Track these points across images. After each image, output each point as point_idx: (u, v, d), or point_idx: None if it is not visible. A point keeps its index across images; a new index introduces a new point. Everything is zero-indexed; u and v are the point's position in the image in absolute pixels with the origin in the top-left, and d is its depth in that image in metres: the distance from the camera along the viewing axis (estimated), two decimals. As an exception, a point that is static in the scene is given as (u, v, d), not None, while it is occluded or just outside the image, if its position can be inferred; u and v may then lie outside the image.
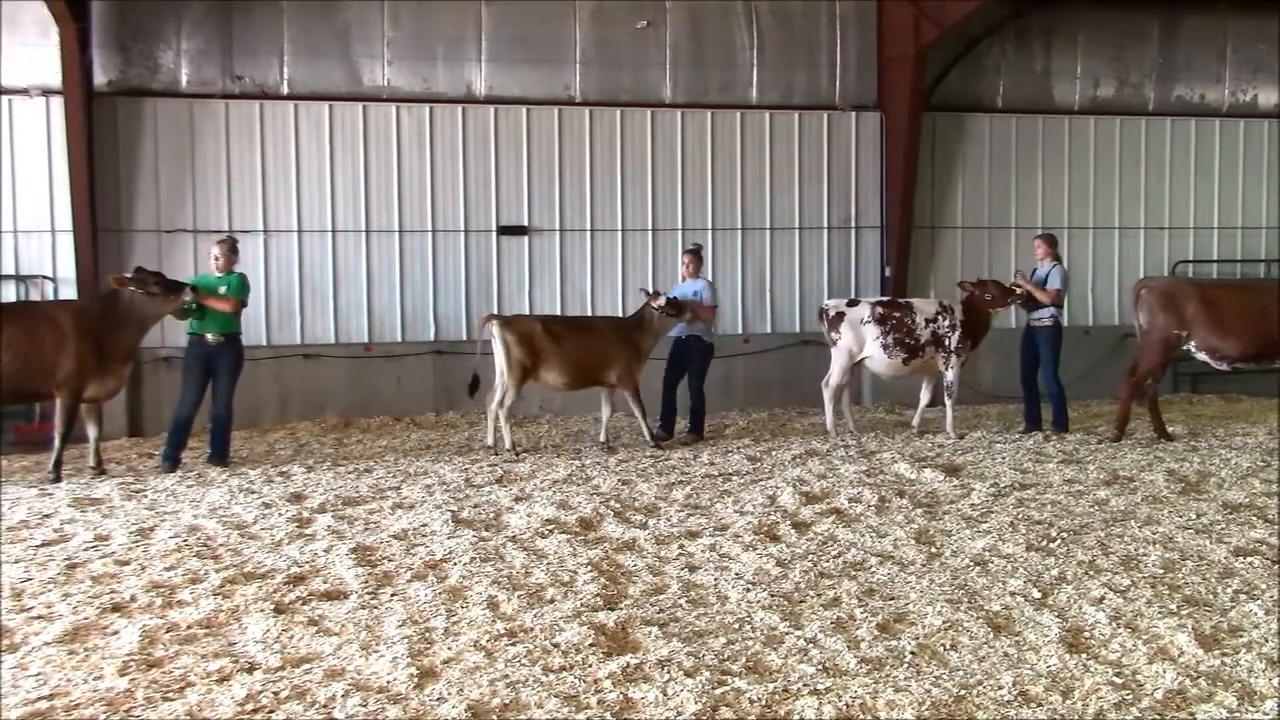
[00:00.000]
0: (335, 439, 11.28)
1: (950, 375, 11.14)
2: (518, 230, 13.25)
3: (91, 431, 9.51)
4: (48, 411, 9.00)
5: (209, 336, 9.66)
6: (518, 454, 10.21)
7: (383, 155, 12.90)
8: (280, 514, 7.68)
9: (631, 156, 13.53)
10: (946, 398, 11.18)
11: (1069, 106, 14.88)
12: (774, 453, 10.23)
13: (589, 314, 13.13)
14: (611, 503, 7.93)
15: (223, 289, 9.72)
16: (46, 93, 11.88)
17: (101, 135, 12.03)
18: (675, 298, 10.87)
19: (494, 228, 13.20)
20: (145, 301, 9.28)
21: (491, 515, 7.61)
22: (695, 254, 11.65)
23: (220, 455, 9.84)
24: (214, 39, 12.46)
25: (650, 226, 13.59)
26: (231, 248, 10.04)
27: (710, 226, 13.73)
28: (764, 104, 13.88)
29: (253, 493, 8.53)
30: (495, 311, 12.05)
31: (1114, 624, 5.10)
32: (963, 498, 8.04)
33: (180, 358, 10.19)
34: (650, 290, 11.13)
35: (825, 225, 14.10)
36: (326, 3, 12.68)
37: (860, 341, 11.07)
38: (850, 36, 14.07)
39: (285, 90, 12.69)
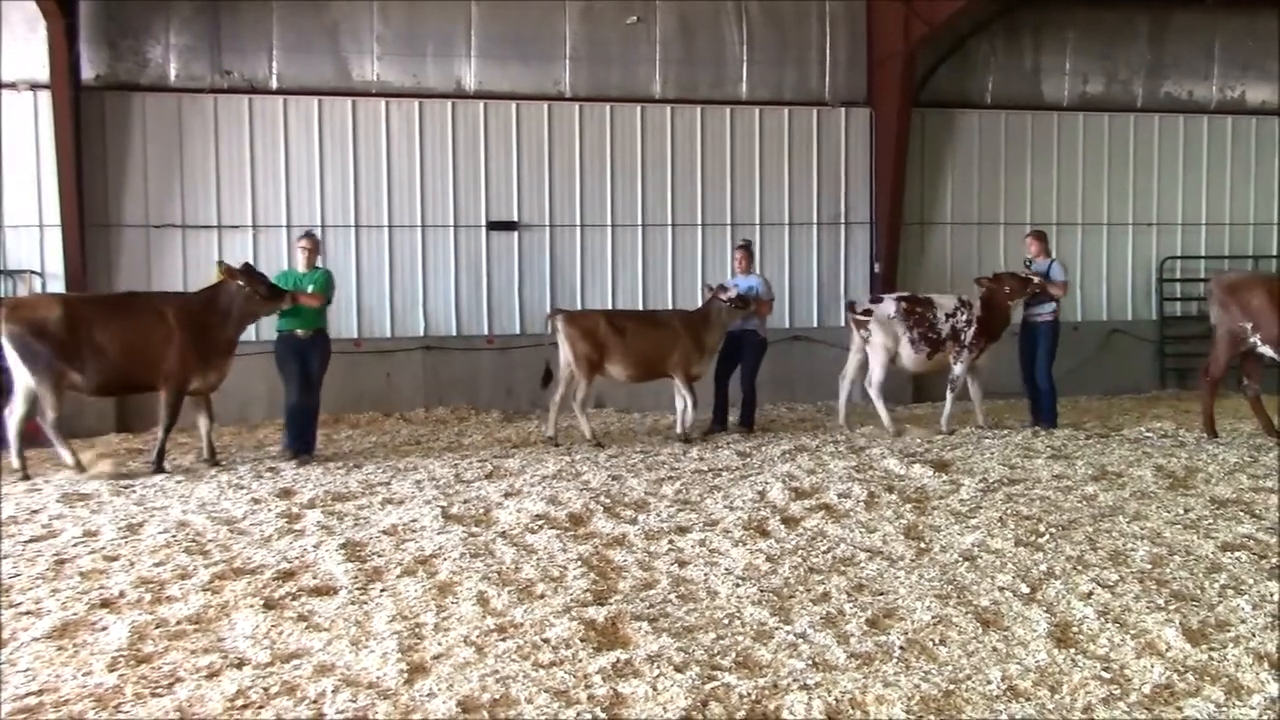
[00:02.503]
0: (324, 434, 11.24)
1: (957, 369, 11.19)
2: (508, 225, 13.24)
3: (203, 423, 9.72)
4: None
5: (299, 332, 9.84)
6: (599, 442, 10.49)
7: (372, 151, 12.88)
8: (270, 509, 7.66)
9: (621, 152, 13.52)
10: (949, 391, 11.23)
11: (1058, 103, 14.92)
12: (763, 448, 10.23)
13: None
14: (601, 498, 7.93)
15: (310, 287, 9.86)
16: (35, 87, 11.83)
17: (90, 130, 11.98)
18: (743, 293, 10.93)
19: (484, 223, 13.19)
20: (248, 300, 9.46)
21: (481, 511, 7.60)
22: (747, 249, 11.68)
23: (307, 446, 9.93)
24: (203, 34, 12.42)
25: (640, 222, 13.58)
26: (315, 244, 10.21)
27: (700, 222, 13.73)
28: (754, 100, 13.88)
29: (242, 488, 8.51)
30: (559, 305, 12.11)
31: (1102, 619, 5.11)
32: (952, 493, 8.05)
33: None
34: (716, 285, 11.22)
35: (815, 221, 14.12)
36: (316, -3, 12.67)
37: (894, 337, 11.10)
38: (840, 33, 14.08)
39: (274, 85, 12.65)
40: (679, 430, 10.89)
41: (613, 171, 13.50)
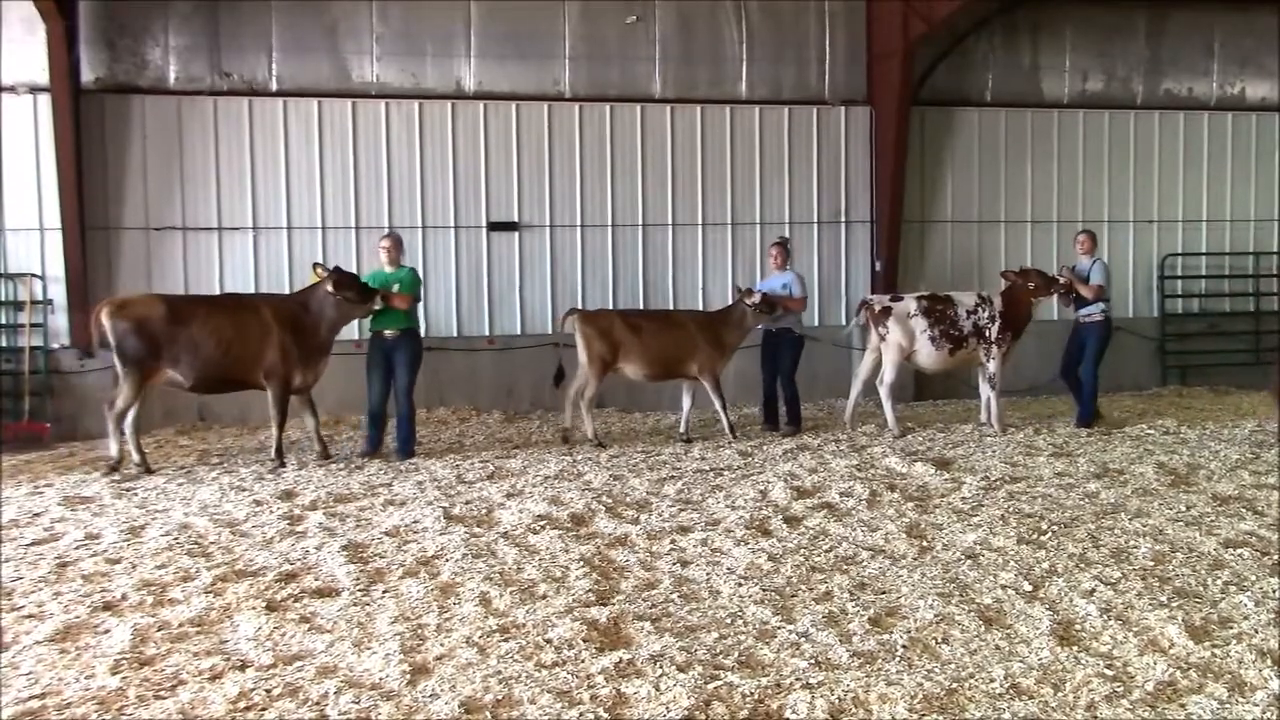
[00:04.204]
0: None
1: (991, 366, 11.12)
2: (508, 226, 13.23)
3: (309, 421, 9.91)
4: (35, 409, 9.07)
5: (387, 332, 9.99)
6: (600, 443, 10.50)
7: (372, 152, 12.87)
8: (271, 511, 7.67)
9: (621, 152, 13.51)
10: (990, 389, 11.17)
11: (1057, 100, 14.89)
12: (765, 447, 10.24)
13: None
14: (603, 498, 7.93)
15: (395, 286, 9.97)
16: (34, 90, 11.83)
17: (89, 133, 11.98)
18: (769, 295, 10.95)
19: (484, 224, 13.18)
20: (339, 303, 9.63)
21: (483, 511, 7.60)
22: (783, 245, 11.67)
23: (405, 448, 10.06)
24: (201, 35, 12.41)
25: (640, 222, 13.57)
26: (397, 243, 10.38)
27: (700, 221, 13.72)
28: (753, 99, 13.87)
29: (244, 490, 8.51)
30: (578, 305, 12.08)
31: (1105, 616, 5.12)
32: (953, 491, 8.05)
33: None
34: (744, 287, 11.28)
35: (815, 220, 14.10)
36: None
37: (910, 336, 11.06)
38: (839, 31, 14.06)
39: (274, 87, 12.65)
40: (682, 430, 10.90)
41: (613, 171, 13.49)
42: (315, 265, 9.99)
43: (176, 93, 12.36)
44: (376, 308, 9.81)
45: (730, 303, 11.27)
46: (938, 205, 14.57)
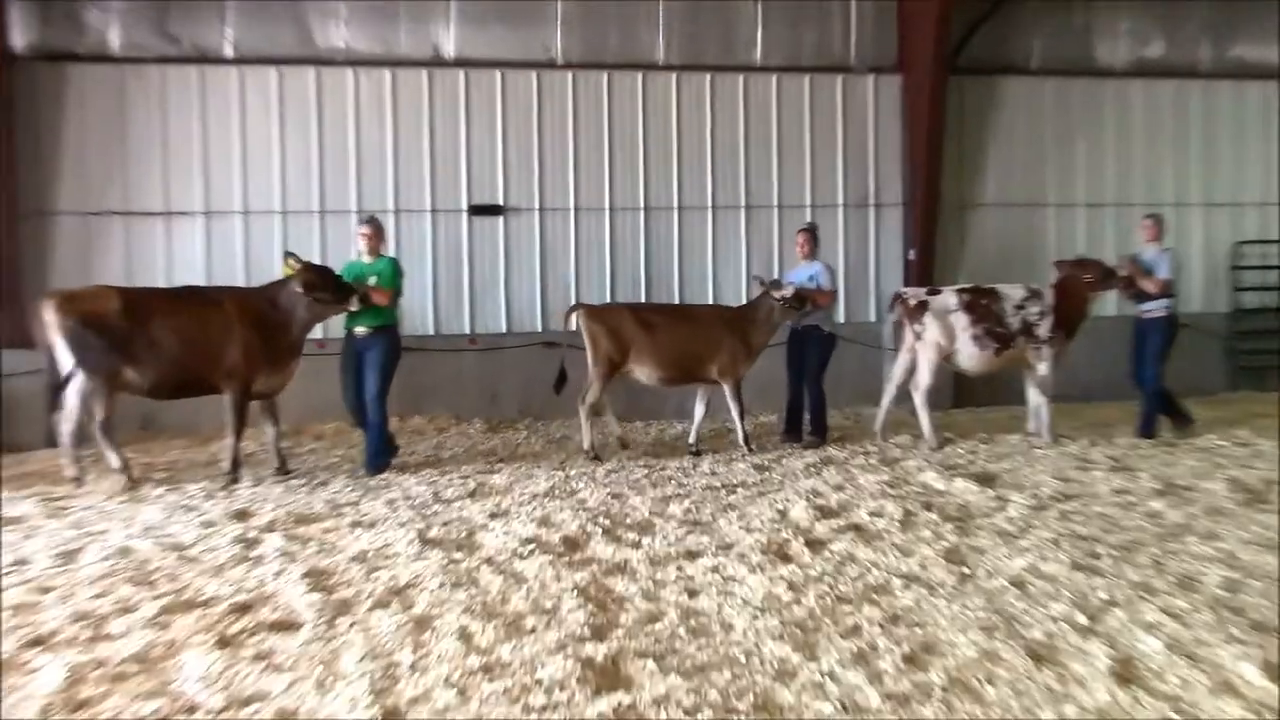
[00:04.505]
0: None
1: (1042, 368, 11.08)
2: (491, 210, 13.23)
3: (269, 430, 9.94)
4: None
5: (359, 330, 9.97)
6: (595, 454, 10.49)
7: (339, 127, 12.88)
8: (223, 534, 7.64)
9: (620, 126, 13.51)
10: (1040, 394, 11.13)
11: (1112, 68, 14.89)
12: (784, 460, 10.21)
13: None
14: (600, 519, 7.90)
15: (373, 279, 9.97)
16: (-44, 57, 11.85)
17: (20, 105, 11.97)
18: (800, 289, 10.88)
19: (465, 207, 13.18)
20: (312, 303, 9.65)
21: (463, 534, 7.57)
22: (811, 233, 11.60)
23: (373, 461, 10.02)
24: (146, -5, 12.44)
25: (641, 205, 13.57)
26: (377, 230, 10.30)
27: (710, 205, 13.72)
28: (769, 66, 13.87)
29: (192, 510, 8.48)
30: (581, 301, 12.13)
31: (1171, 653, 5.08)
32: (998, 511, 8.02)
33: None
34: (769, 279, 11.22)
35: (840, 203, 14.11)
36: (274, -47, 12.68)
37: (949, 333, 11.03)
38: (867, -11, 14.10)
39: (228, 53, 12.65)
40: (691, 440, 10.88)
41: (610, 148, 13.50)
42: (288, 255, 9.94)
43: (119, 60, 12.38)
44: (353, 308, 9.78)
45: (755, 296, 11.14)
46: (978, 186, 14.57)
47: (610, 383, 10.67)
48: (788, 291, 10.72)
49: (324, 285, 9.67)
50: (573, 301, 13.27)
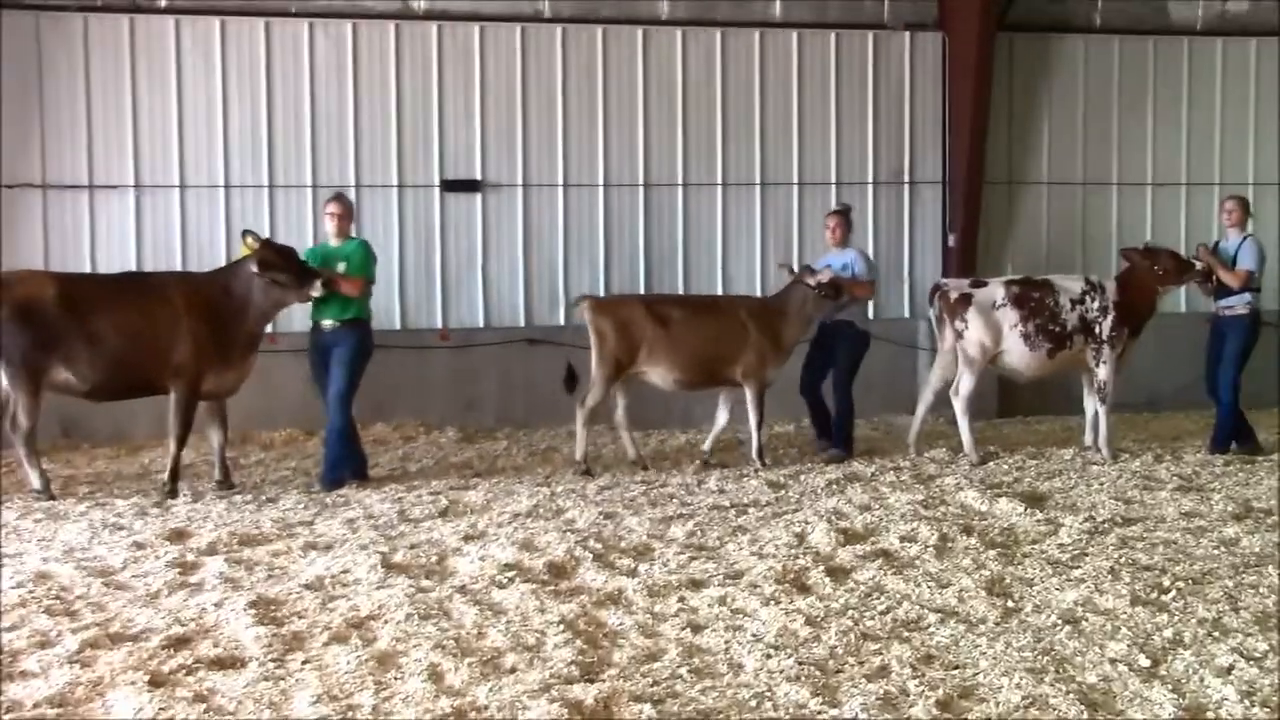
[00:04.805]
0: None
1: (1102, 373, 11.09)
2: (468, 185, 13.25)
3: (215, 437, 9.96)
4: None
5: (325, 323, 10.04)
6: (587, 467, 10.56)
7: (291, 88, 12.88)
8: (157, 556, 7.66)
9: (617, 90, 13.52)
10: (1099, 402, 11.14)
11: (1189, 25, 14.88)
12: (803, 476, 10.24)
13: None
14: (590, 542, 7.92)
15: (342, 265, 10.02)
16: None
17: (-79, 60, 11.98)
18: (836, 276, 10.87)
19: (437, 182, 13.19)
20: (269, 287, 9.66)
21: (434, 559, 7.60)
22: (844, 216, 11.67)
23: (332, 473, 10.07)
24: (68, -67, 12.43)
25: (641, 181, 13.59)
26: (347, 209, 10.40)
27: (720, 181, 13.74)
28: (790, 21, 13.89)
29: (121, 529, 8.50)
30: (589, 292, 12.14)
31: (1246, 700, 5.11)
32: (1048, 536, 8.05)
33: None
34: (798, 265, 11.23)
35: (870, 180, 14.13)
36: (217, -113, 12.68)
37: (994, 332, 11.05)
38: (902, -67, 14.12)
39: (162, 2, 12.63)
40: (706, 449, 10.95)
41: (605, 116, 13.51)
42: (245, 234, 9.93)
43: (33, 7, 12.34)
44: (316, 294, 9.78)
45: (785, 286, 11.14)
46: (1030, 162, 14.60)
47: (615, 386, 10.68)
48: (823, 277, 10.69)
49: (282, 266, 9.67)
50: (559, 292, 13.33)
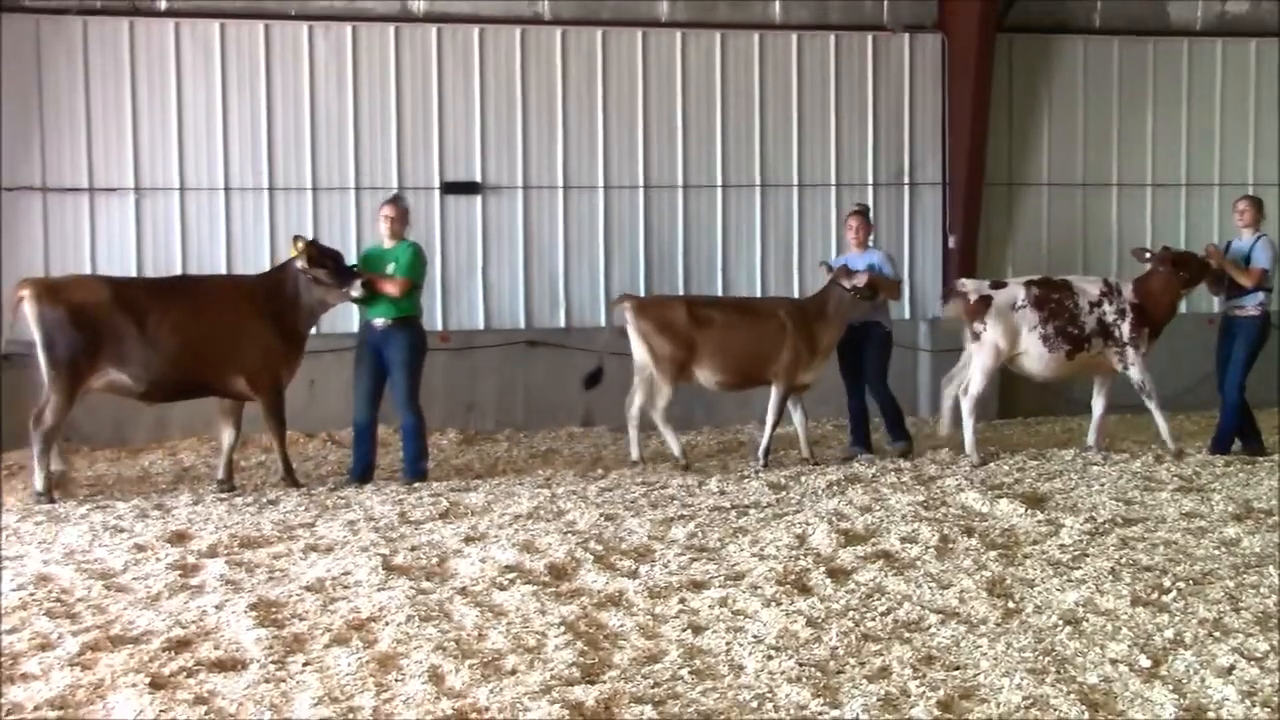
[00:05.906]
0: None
1: (1135, 374, 11.11)
2: (468, 188, 13.25)
3: (227, 436, 10.14)
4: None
5: (376, 321, 10.24)
6: (687, 465, 10.73)
7: (291, 91, 12.88)
8: (158, 559, 7.66)
9: (617, 92, 13.52)
10: (1148, 400, 11.16)
11: (1189, 26, 14.88)
12: (803, 478, 10.24)
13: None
14: (591, 544, 7.93)
15: (390, 266, 10.20)
16: None
17: (-79, 63, 11.99)
18: (874, 277, 10.89)
19: (437, 185, 13.19)
20: (312, 285, 9.97)
21: (434, 561, 7.60)
22: (863, 215, 11.70)
23: (413, 467, 10.42)
24: (68, -65, 12.44)
25: (641, 183, 13.59)
26: (403, 212, 10.55)
27: (720, 183, 13.74)
28: (790, 23, 13.88)
29: (121, 531, 8.50)
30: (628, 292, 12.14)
31: (1247, 701, 5.11)
32: (1049, 536, 8.06)
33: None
34: (836, 264, 11.22)
35: (869, 181, 14.12)
36: (217, -110, 12.68)
37: (1012, 334, 11.04)
38: (902, -66, 14.12)
39: (162, 4, 12.64)
40: (805, 453, 11.11)
41: (605, 117, 13.51)
42: (296, 238, 10.17)
43: (34, 10, 12.34)
44: (355, 294, 9.98)
45: (824, 286, 11.11)
46: (1030, 163, 14.60)
47: (635, 384, 10.79)
48: (859, 280, 10.68)
49: (325, 264, 9.96)
50: (560, 294, 13.35)
